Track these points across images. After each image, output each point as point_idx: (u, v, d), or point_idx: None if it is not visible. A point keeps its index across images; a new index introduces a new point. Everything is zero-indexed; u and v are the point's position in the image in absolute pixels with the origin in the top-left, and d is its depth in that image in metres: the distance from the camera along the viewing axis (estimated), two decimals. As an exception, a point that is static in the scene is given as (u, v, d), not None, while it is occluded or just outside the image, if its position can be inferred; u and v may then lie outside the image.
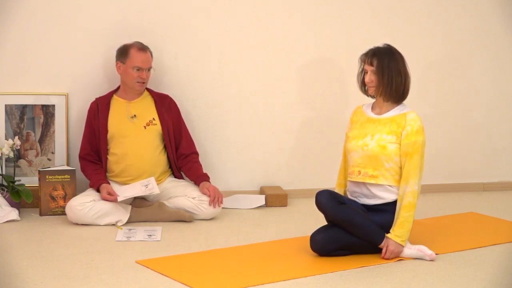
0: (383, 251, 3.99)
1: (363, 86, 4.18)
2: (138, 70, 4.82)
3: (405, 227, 3.99)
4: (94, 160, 4.90)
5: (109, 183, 4.78)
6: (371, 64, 4.07)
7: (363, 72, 4.15)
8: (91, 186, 4.82)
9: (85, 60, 5.10)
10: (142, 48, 4.85)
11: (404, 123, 4.05)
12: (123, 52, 4.86)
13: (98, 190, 4.75)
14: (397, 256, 4.00)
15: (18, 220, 4.71)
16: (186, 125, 5.07)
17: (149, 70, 4.86)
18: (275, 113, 5.41)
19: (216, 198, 4.77)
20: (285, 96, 5.40)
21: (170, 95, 5.05)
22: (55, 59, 5.08)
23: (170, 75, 5.22)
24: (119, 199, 4.67)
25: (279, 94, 5.40)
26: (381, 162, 4.05)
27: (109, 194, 4.67)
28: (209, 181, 4.90)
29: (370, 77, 4.09)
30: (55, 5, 5.04)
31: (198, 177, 4.91)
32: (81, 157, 4.93)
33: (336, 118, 5.35)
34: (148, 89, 4.99)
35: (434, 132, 5.56)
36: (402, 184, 4.02)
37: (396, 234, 3.98)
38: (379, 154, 4.04)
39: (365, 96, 4.24)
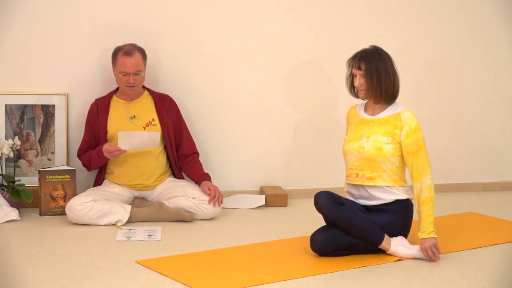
0: (424, 254, 3.98)
1: (352, 89, 4.19)
2: (124, 75, 4.80)
3: (428, 220, 3.99)
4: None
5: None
6: (359, 68, 4.08)
7: (351, 76, 4.16)
8: (95, 159, 4.79)
9: (85, 60, 5.11)
10: (128, 52, 4.79)
11: (400, 123, 4.05)
12: (113, 56, 4.84)
13: (103, 157, 4.75)
14: (436, 248, 3.97)
15: (18, 220, 4.71)
16: (186, 125, 5.07)
17: (136, 73, 4.81)
18: (275, 113, 5.41)
19: (216, 197, 4.78)
20: (285, 96, 5.41)
21: (170, 95, 5.05)
22: (55, 59, 5.08)
23: (170, 75, 5.22)
24: (124, 147, 4.67)
25: (279, 94, 5.40)
26: (378, 164, 4.05)
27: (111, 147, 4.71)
28: (210, 180, 4.90)
29: (359, 81, 4.09)
30: (55, 5, 5.04)
31: (199, 177, 4.91)
32: (80, 155, 4.94)
33: (337, 118, 5.35)
34: (148, 89, 4.99)
35: (434, 132, 5.56)
36: (416, 183, 4.02)
37: (422, 231, 3.99)
38: (375, 156, 4.04)
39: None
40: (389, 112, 4.11)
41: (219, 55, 5.28)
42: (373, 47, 4.12)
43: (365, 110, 4.19)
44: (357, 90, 4.14)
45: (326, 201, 4.00)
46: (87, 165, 4.90)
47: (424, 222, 4.00)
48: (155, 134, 4.77)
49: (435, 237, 4.00)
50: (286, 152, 5.46)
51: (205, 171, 5.00)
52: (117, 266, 3.88)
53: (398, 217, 4.07)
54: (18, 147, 4.94)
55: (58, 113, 5.09)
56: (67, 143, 5.11)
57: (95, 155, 4.80)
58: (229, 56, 5.30)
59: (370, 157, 4.05)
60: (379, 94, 4.06)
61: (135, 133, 4.75)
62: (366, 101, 4.21)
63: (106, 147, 4.72)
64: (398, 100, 4.13)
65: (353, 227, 3.97)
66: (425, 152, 4.04)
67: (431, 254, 3.97)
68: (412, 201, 4.15)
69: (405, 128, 4.04)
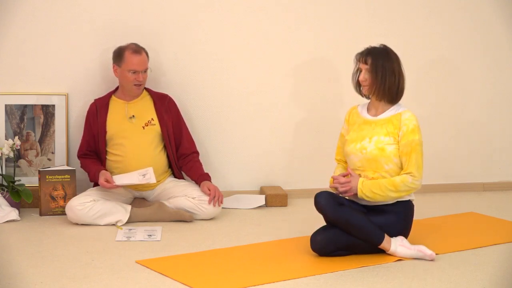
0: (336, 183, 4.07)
1: (358, 86, 4.19)
2: (134, 73, 4.81)
3: (375, 187, 3.99)
4: (92, 156, 4.90)
5: (107, 171, 4.78)
6: (366, 63, 4.08)
7: (358, 72, 4.16)
8: (92, 177, 4.81)
9: (85, 60, 5.11)
10: (137, 50, 4.82)
11: (400, 123, 4.05)
12: (118, 55, 4.85)
13: (97, 180, 4.75)
14: (346, 192, 4.04)
15: (18, 220, 4.71)
16: (186, 124, 5.07)
17: (145, 71, 4.84)
18: (275, 113, 5.41)
19: (216, 197, 4.78)
20: (285, 96, 5.41)
21: (170, 95, 5.05)
22: (55, 59, 5.08)
23: (170, 75, 5.23)
24: (117, 183, 4.68)
25: (279, 94, 5.40)
26: (380, 165, 4.05)
27: (107, 181, 4.68)
28: (210, 180, 4.90)
29: (364, 76, 4.09)
30: (55, 5, 5.04)
31: (199, 177, 4.91)
32: (79, 156, 4.95)
33: (336, 118, 5.34)
34: (147, 89, 4.99)
35: (434, 132, 5.56)
36: (400, 174, 4.04)
37: (364, 182, 4.01)
38: (378, 156, 4.04)
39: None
40: (391, 112, 4.11)
41: (219, 55, 5.29)
42: (383, 45, 4.12)
43: (368, 110, 4.19)
44: (361, 86, 4.14)
45: (326, 201, 3.99)
46: (84, 169, 4.91)
47: (373, 184, 3.99)
48: (148, 176, 4.73)
49: (356, 193, 4.02)
50: (286, 152, 5.46)
51: (205, 171, 5.00)
52: (117, 266, 3.88)
53: (399, 217, 4.07)
54: (18, 147, 4.94)
55: (58, 113, 5.09)
56: (67, 143, 5.11)
57: (92, 174, 4.81)
58: (229, 56, 5.30)
59: (372, 157, 4.05)
60: (382, 91, 4.06)
61: (129, 177, 4.73)
62: (368, 101, 4.21)
63: (102, 181, 4.69)
64: (398, 100, 4.14)
65: (353, 227, 3.97)
66: (419, 155, 4.03)
67: (341, 187, 4.03)
68: (413, 201, 4.16)
69: (402, 129, 4.04)
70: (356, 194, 4.06)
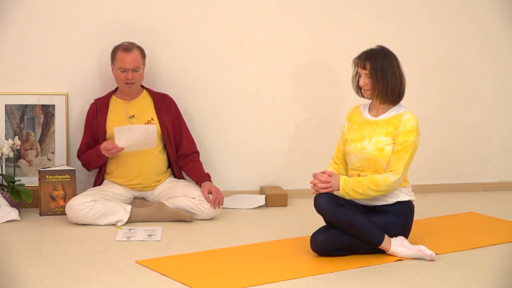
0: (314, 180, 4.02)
1: (358, 89, 4.17)
2: (123, 71, 4.81)
3: (357, 186, 3.97)
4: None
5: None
6: (364, 68, 4.06)
7: (357, 76, 4.14)
8: (95, 156, 4.78)
9: (85, 60, 5.11)
10: (127, 48, 4.81)
11: (399, 123, 4.04)
12: (112, 54, 4.86)
13: (101, 155, 4.75)
14: (327, 188, 3.99)
15: (18, 220, 4.71)
16: (187, 125, 5.07)
17: (135, 70, 4.82)
18: (275, 113, 5.41)
19: (218, 199, 4.78)
20: (285, 96, 5.41)
21: (170, 95, 5.05)
22: (55, 59, 5.08)
23: (170, 75, 5.23)
24: (120, 144, 4.66)
25: (279, 94, 5.40)
26: (379, 165, 4.05)
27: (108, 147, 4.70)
28: (210, 181, 4.90)
29: (364, 81, 4.07)
30: (55, 5, 5.04)
31: (200, 177, 4.91)
32: (79, 155, 4.95)
33: (336, 118, 5.35)
34: (147, 89, 4.99)
35: (434, 132, 5.57)
36: (384, 171, 4.02)
37: (346, 180, 3.98)
38: (377, 157, 4.04)
39: (364, 96, 4.25)
40: (392, 113, 4.10)
41: (219, 55, 5.28)
42: (380, 47, 4.10)
43: (369, 110, 4.18)
44: (362, 90, 4.12)
45: (325, 203, 3.99)
46: (87, 165, 4.91)
47: (354, 182, 3.97)
48: (151, 127, 4.74)
49: (338, 190, 3.99)
50: (286, 152, 5.46)
51: (205, 171, 5.00)
52: (117, 266, 3.88)
53: (399, 217, 4.07)
54: (18, 147, 4.94)
55: (58, 113, 5.09)
56: (67, 143, 5.11)
57: (94, 153, 4.80)
58: (229, 56, 5.30)
59: (371, 158, 4.05)
60: (385, 94, 4.05)
61: (130, 127, 4.73)
62: (370, 101, 4.20)
63: (103, 145, 4.72)
64: (397, 100, 4.14)
65: (353, 228, 3.97)
66: (409, 156, 4.00)
67: (319, 185, 3.98)
68: (413, 201, 4.15)
69: (400, 128, 4.03)
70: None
